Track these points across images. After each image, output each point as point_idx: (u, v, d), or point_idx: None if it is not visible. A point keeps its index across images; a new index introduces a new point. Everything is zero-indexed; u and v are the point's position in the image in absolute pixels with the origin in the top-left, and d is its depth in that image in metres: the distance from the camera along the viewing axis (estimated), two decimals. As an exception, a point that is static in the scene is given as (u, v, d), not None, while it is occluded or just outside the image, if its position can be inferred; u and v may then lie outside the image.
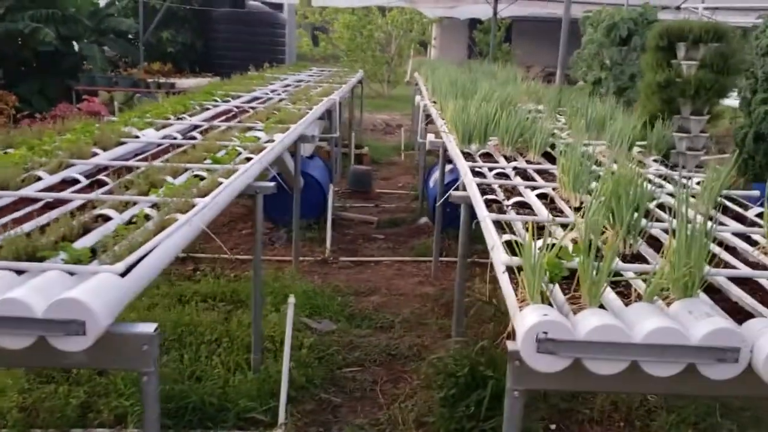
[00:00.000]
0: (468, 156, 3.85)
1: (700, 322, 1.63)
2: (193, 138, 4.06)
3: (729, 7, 8.71)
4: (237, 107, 5.56)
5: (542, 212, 2.67)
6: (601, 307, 1.77)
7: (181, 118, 4.70)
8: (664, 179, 3.58)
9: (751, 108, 5.96)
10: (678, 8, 5.67)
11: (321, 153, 7.14)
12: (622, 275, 2.01)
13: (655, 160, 4.36)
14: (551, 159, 3.82)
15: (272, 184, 3.28)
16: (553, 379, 1.63)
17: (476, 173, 3.41)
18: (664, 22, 5.51)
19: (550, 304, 1.74)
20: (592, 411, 3.29)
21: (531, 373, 1.62)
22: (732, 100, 6.72)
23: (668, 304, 1.79)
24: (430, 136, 5.03)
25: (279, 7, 12.88)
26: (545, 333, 1.57)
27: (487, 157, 3.92)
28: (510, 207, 2.78)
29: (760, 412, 3.33)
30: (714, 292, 1.99)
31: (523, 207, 2.82)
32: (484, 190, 3.06)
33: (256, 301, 3.40)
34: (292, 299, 3.15)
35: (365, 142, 9.80)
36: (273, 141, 3.92)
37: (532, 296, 1.72)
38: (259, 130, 4.32)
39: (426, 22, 18.66)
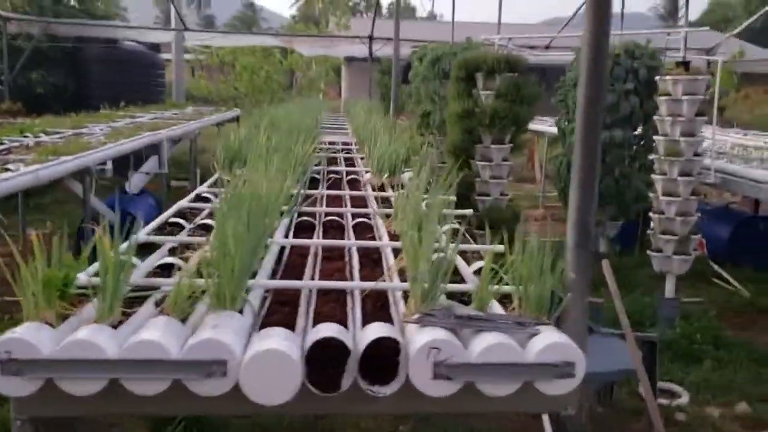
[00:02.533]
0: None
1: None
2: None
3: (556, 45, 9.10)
4: (37, 142, 5.39)
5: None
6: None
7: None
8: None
9: (566, 138, 6.13)
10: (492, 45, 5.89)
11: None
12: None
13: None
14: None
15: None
16: None
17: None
18: (465, 54, 5.65)
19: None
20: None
21: None
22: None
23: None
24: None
25: (156, 47, 12.76)
26: None
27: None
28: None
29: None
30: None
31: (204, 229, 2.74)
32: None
33: None
34: None
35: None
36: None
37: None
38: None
39: (333, 63, 18.90)
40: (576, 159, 1.70)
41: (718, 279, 6.52)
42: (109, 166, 5.04)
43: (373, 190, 3.69)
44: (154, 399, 1.52)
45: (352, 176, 4.28)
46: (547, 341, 1.61)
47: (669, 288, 5.03)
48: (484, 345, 1.59)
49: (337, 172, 4.42)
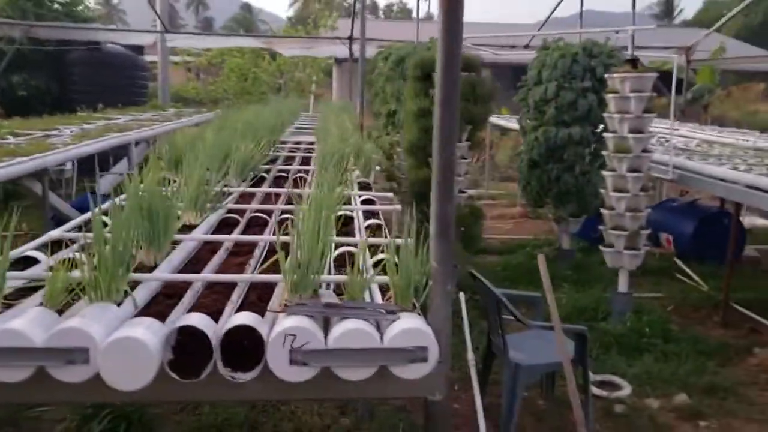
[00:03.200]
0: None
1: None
2: None
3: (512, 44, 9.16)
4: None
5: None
6: None
7: None
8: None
9: (527, 135, 6.20)
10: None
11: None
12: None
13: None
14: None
15: None
16: None
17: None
18: (421, 54, 5.71)
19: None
20: None
21: None
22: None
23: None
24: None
25: (139, 49, 12.84)
26: None
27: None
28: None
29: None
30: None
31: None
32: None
33: None
34: None
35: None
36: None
37: None
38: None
39: (325, 63, 18.97)
40: (435, 155, 1.77)
41: (681, 274, 6.59)
42: (69, 166, 5.11)
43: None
44: (19, 386, 1.59)
45: (301, 174, 4.36)
46: (402, 327, 1.68)
47: (622, 282, 5.10)
48: (340, 331, 1.66)
49: (287, 171, 4.50)
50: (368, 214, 3.13)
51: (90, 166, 6.05)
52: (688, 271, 6.53)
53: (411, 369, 1.67)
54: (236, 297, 1.95)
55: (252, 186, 3.79)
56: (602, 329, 4.82)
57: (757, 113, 20.47)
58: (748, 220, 8.59)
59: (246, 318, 1.69)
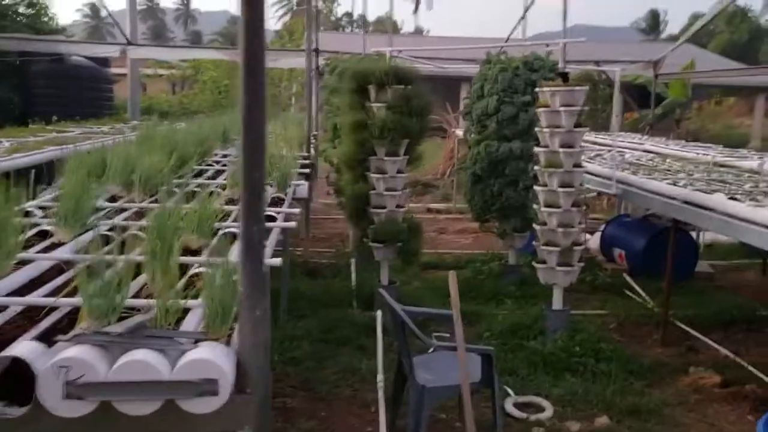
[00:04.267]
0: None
1: None
2: None
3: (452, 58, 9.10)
4: None
5: None
6: None
7: None
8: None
9: (471, 148, 6.12)
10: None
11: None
12: None
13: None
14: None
15: None
16: None
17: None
18: (357, 66, 5.63)
19: None
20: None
21: None
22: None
23: None
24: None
25: (105, 62, 12.74)
26: None
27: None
28: None
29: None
30: None
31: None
32: None
33: None
34: None
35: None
36: None
37: None
38: None
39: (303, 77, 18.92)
40: (241, 173, 1.66)
41: (630, 291, 6.49)
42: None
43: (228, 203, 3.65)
44: None
45: (217, 189, 4.24)
46: (191, 358, 1.57)
47: (556, 300, 4.99)
48: (121, 363, 1.54)
49: (204, 185, 4.37)
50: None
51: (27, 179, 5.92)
52: (636, 287, 6.44)
53: (201, 403, 1.55)
54: (46, 323, 1.83)
55: (153, 201, 3.67)
56: (531, 348, 4.71)
57: (732, 127, 20.54)
58: (710, 236, 8.50)
59: (24, 348, 1.57)
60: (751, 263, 7.64)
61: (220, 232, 2.74)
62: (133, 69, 13.30)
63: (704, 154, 7.79)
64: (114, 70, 14.02)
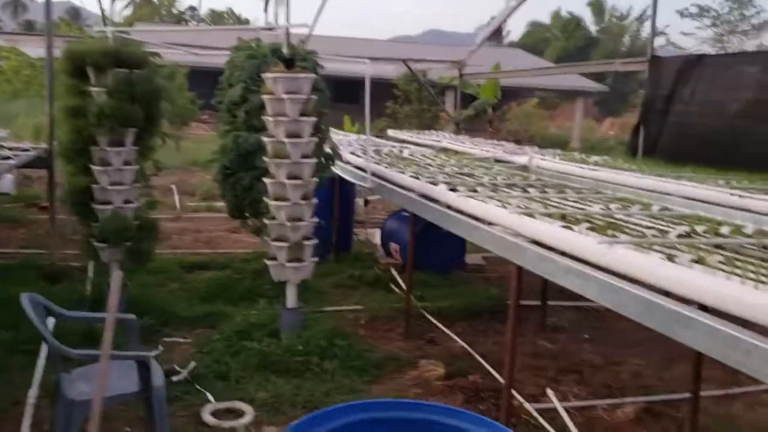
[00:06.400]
0: None
1: None
2: None
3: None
4: None
5: None
6: None
7: None
8: None
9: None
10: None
11: None
12: None
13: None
14: None
15: None
16: None
17: None
18: (71, 45, 5.11)
19: None
20: None
21: None
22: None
23: None
24: None
25: None
26: None
27: None
28: None
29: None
30: None
31: None
32: None
33: None
34: None
35: None
36: None
37: None
38: None
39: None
40: None
41: (395, 285, 6.46)
42: None
43: None
44: None
45: None
46: None
47: (290, 297, 4.77)
48: None
49: None
50: None
51: None
52: (399, 281, 6.41)
53: None
54: None
55: None
56: (255, 349, 4.44)
57: (546, 128, 21.85)
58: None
59: None
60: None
61: None
62: None
63: (487, 151, 8.00)
64: None
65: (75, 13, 59.39)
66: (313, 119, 4.64)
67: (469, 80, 14.86)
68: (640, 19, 45.91)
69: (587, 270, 2.80)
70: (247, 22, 56.66)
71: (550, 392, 3.93)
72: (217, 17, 46.28)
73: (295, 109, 4.52)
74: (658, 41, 42.95)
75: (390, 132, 12.28)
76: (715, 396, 4.45)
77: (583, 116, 27.22)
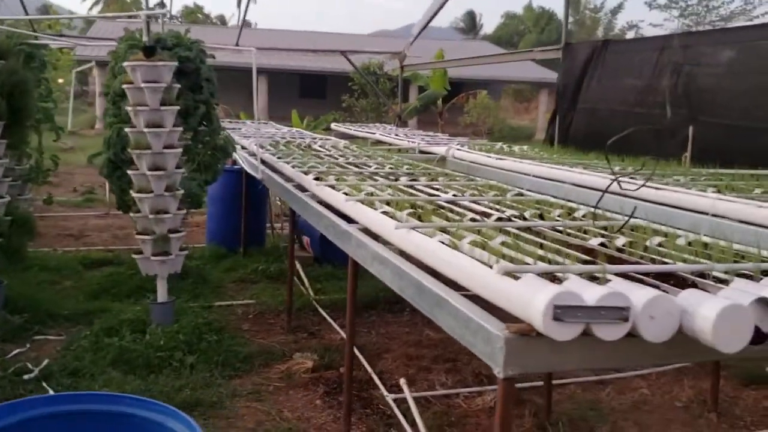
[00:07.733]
0: None
1: None
2: None
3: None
4: None
5: None
6: None
7: None
8: None
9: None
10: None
11: None
12: None
13: None
14: None
15: None
16: None
17: None
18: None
19: None
20: None
21: None
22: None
23: None
24: None
25: None
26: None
27: None
28: None
29: None
30: None
31: None
32: None
33: None
34: None
35: None
36: None
37: None
38: None
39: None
40: None
41: (297, 279, 6.36)
42: None
43: None
44: None
45: None
46: None
47: (160, 291, 4.66)
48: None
49: None
50: None
51: None
52: (301, 274, 6.31)
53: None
54: None
55: None
56: (115, 346, 4.32)
57: (510, 119, 21.84)
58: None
59: None
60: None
61: None
62: None
63: (413, 142, 7.92)
64: None
65: (45, 10, 58.72)
66: (176, 108, 4.52)
67: (418, 72, 14.80)
68: (614, 11, 46.21)
69: (386, 254, 2.73)
70: (223, 19, 56.28)
71: (402, 382, 3.86)
72: (187, 14, 45.97)
73: (155, 99, 4.40)
74: (630, 34, 43.27)
75: (333, 125, 12.21)
76: (588, 382, 4.42)
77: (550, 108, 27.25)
